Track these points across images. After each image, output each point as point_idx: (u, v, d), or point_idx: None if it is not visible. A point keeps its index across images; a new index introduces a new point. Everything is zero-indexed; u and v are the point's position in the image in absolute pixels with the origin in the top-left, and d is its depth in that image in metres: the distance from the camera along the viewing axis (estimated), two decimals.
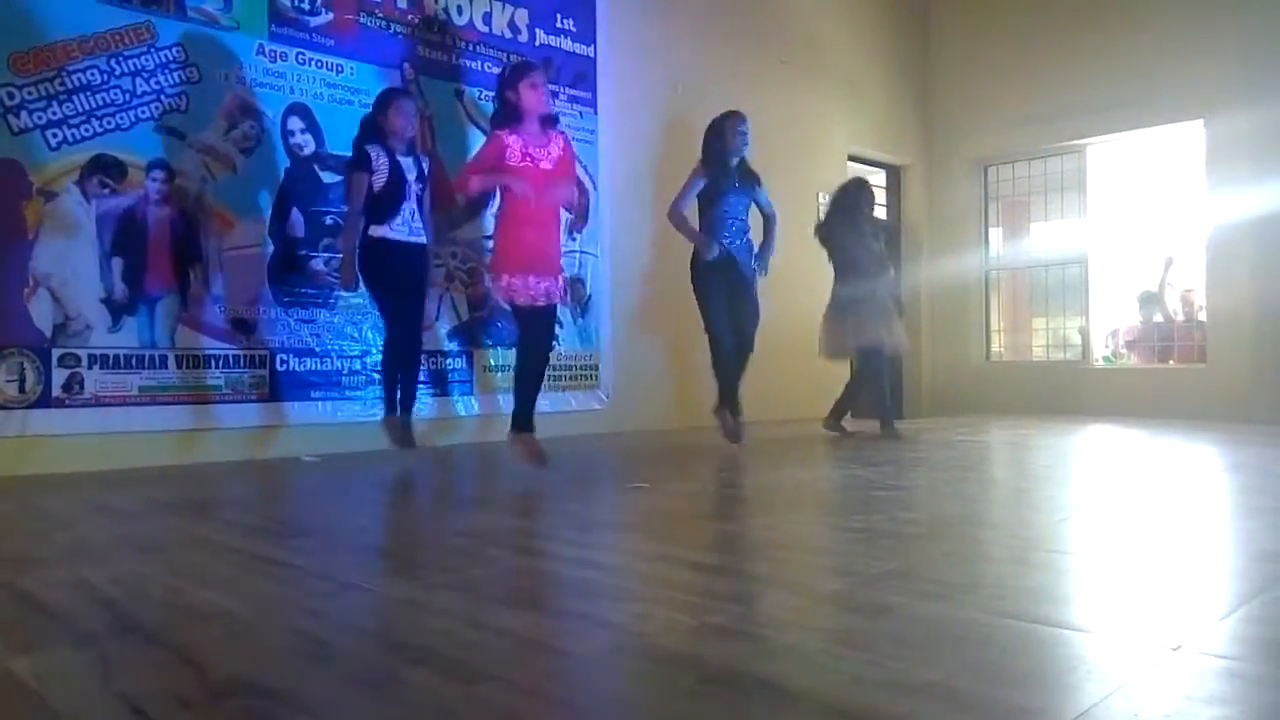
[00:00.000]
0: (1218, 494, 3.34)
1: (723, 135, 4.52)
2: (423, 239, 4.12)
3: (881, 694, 1.22)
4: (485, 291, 4.98)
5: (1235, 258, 6.51)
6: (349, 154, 4.13)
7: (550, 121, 3.63)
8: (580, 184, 3.87)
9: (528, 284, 3.45)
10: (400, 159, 4.01)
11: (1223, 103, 6.51)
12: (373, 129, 4.04)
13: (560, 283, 3.61)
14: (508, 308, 3.56)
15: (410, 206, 4.02)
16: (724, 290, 4.46)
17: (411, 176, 4.04)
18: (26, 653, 1.42)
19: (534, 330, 3.56)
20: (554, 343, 3.70)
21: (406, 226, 4.02)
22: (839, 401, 5.36)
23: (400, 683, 1.28)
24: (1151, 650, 1.38)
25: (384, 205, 3.97)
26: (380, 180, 3.95)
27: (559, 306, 3.80)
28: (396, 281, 4.03)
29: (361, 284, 4.04)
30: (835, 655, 1.42)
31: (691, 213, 4.65)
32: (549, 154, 3.52)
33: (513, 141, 3.46)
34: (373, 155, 3.96)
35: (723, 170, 4.56)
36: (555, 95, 5.32)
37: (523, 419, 3.57)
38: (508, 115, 3.53)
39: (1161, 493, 3.32)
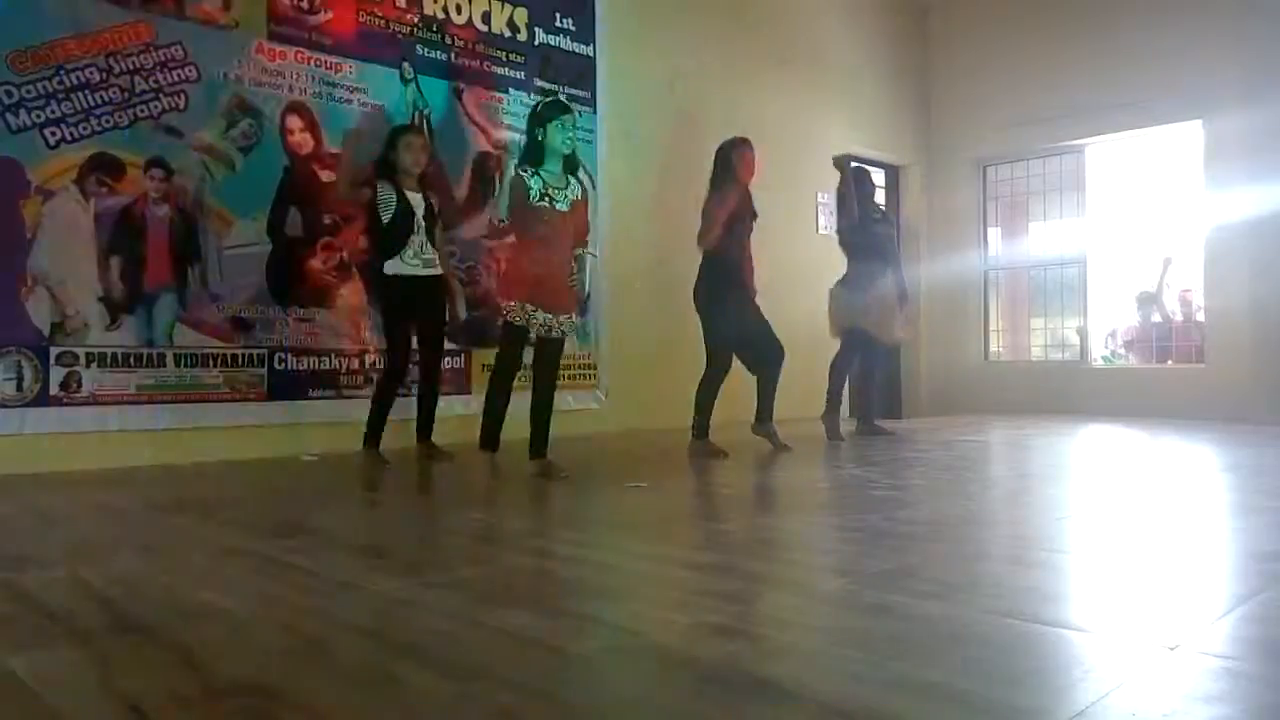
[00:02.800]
0: (1215, 494, 3.34)
1: (730, 161, 4.47)
2: (437, 270, 4.17)
3: (880, 693, 1.22)
4: (484, 290, 4.99)
5: (1233, 258, 6.51)
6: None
7: (571, 166, 3.67)
8: (582, 185, 3.87)
9: (526, 310, 3.47)
10: (409, 194, 4.06)
11: (1221, 103, 6.51)
12: (384, 165, 4.08)
13: (564, 318, 3.58)
14: (505, 323, 3.54)
15: (419, 240, 4.09)
16: (736, 311, 4.39)
17: (420, 212, 4.10)
18: (25, 651, 1.42)
19: (538, 360, 3.63)
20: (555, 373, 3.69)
21: (418, 260, 4.09)
22: (863, 407, 5.44)
23: (397, 681, 1.28)
24: (1149, 649, 1.38)
25: (393, 238, 4.04)
26: (387, 215, 4.02)
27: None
28: (414, 313, 4.11)
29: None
30: (834, 654, 1.42)
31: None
32: (565, 195, 3.58)
33: (534, 182, 3.50)
34: (380, 191, 4.01)
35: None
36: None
37: (535, 447, 3.63)
38: (532, 151, 3.57)
39: (1159, 492, 3.33)
